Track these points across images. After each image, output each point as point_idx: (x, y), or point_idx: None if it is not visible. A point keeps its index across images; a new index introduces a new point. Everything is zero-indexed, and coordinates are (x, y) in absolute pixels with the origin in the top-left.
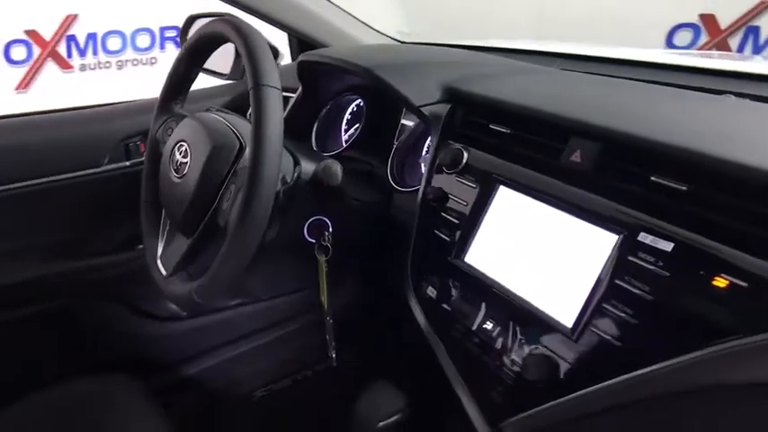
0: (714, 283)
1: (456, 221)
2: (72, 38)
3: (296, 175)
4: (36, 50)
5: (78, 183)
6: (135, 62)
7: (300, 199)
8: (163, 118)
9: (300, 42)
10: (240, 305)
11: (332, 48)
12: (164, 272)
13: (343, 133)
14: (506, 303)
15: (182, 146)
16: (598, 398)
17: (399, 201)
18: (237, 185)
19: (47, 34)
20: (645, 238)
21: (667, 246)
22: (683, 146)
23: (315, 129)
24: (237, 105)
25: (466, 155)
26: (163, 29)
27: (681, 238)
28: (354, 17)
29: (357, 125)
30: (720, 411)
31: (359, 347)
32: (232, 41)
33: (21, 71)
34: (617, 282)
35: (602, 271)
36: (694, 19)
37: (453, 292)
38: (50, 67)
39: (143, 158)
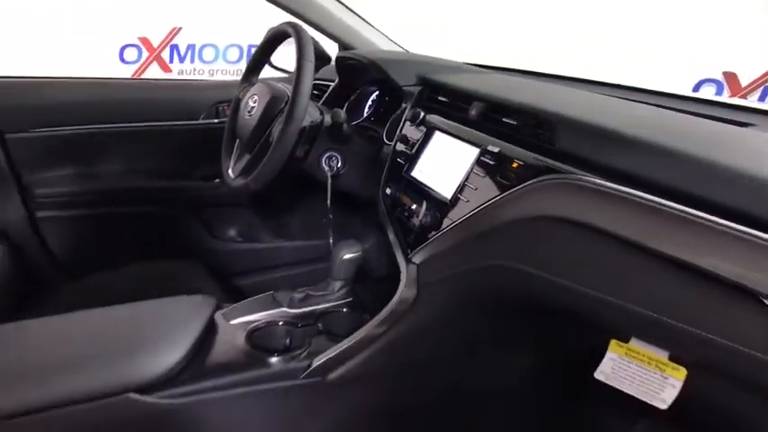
0: (513, 165)
1: (409, 153)
2: (175, 46)
3: (319, 119)
4: (144, 54)
5: (181, 129)
6: (224, 72)
7: (322, 136)
8: (244, 84)
9: (339, 47)
10: (281, 242)
11: (357, 50)
12: (232, 176)
13: (364, 111)
14: (422, 191)
15: (254, 96)
16: (462, 229)
17: (385, 149)
18: (281, 118)
19: (155, 41)
20: (491, 149)
21: (496, 149)
22: (521, 101)
23: (345, 106)
24: None
25: (422, 114)
26: (250, 46)
27: (504, 148)
28: (378, 30)
29: (372, 107)
30: (541, 233)
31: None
32: (291, 36)
33: (130, 69)
34: (474, 171)
35: (469, 167)
36: (719, 76)
37: (400, 189)
38: (154, 68)
39: (227, 118)
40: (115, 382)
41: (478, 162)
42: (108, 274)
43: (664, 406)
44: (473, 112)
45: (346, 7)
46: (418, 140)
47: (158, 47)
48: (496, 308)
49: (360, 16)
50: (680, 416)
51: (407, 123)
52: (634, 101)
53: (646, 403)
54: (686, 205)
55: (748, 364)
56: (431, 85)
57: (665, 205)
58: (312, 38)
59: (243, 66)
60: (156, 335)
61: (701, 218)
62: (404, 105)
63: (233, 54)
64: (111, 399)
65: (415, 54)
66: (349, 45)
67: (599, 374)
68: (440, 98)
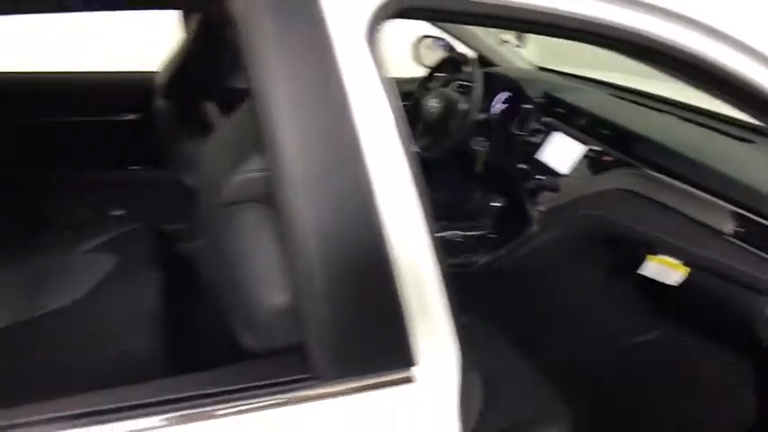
0: (606, 158)
1: (536, 142)
2: None
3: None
4: None
5: None
6: None
7: (474, 125)
8: (422, 90)
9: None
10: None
11: (500, 66)
12: (419, 150)
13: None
14: (546, 168)
15: (435, 99)
16: (573, 191)
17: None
18: (458, 114)
19: None
20: (594, 147)
21: (597, 147)
22: (614, 120)
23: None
24: None
25: (545, 118)
26: None
27: (602, 147)
28: (514, 50)
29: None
30: (620, 198)
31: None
32: (469, 66)
33: None
34: (581, 159)
35: (578, 155)
36: None
37: (531, 165)
38: None
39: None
40: None
41: (585, 155)
42: None
43: (675, 283)
44: (582, 122)
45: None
46: (543, 135)
47: None
48: (588, 238)
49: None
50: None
51: (534, 123)
52: (679, 117)
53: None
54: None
55: (717, 266)
56: (552, 98)
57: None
58: (479, 66)
59: None
60: None
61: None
62: (528, 108)
63: None
64: None
65: (542, 73)
66: (493, 62)
67: (643, 271)
68: (558, 109)
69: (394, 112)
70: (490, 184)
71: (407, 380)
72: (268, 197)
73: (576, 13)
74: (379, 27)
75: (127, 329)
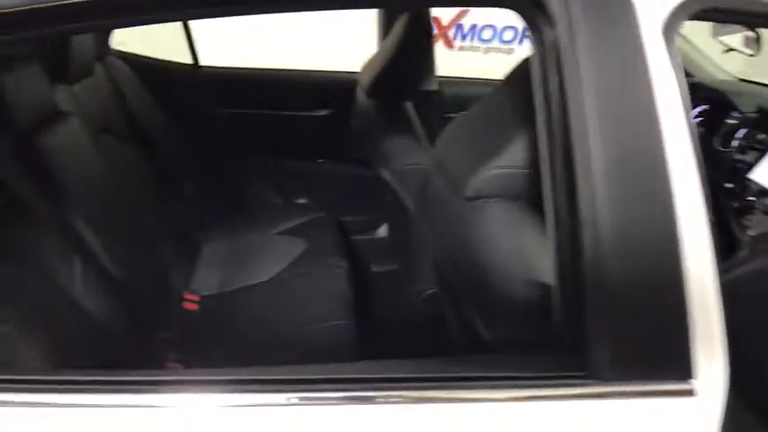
0: None
1: (749, 160)
2: (459, 26)
3: None
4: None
5: None
6: (497, 50)
7: None
8: None
9: None
10: None
11: (697, 77)
12: None
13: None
14: (764, 190)
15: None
16: None
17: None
18: None
19: (444, 21)
20: None
21: None
22: None
23: None
24: None
25: (761, 135)
26: (525, 28)
27: None
28: (716, 60)
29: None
30: None
31: None
32: None
33: None
34: None
35: None
36: None
37: (738, 185)
38: (438, 44)
39: None
40: None
41: None
42: None
43: None
44: None
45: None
46: (756, 153)
47: (446, 26)
48: None
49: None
50: None
51: (744, 139)
52: None
53: None
54: None
55: None
56: (760, 112)
57: None
58: None
59: (515, 46)
60: None
61: None
62: (733, 123)
63: (508, 35)
64: None
65: (751, 85)
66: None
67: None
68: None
69: (687, 112)
70: None
71: (688, 392)
72: (516, 193)
73: None
74: (677, 25)
75: (324, 309)
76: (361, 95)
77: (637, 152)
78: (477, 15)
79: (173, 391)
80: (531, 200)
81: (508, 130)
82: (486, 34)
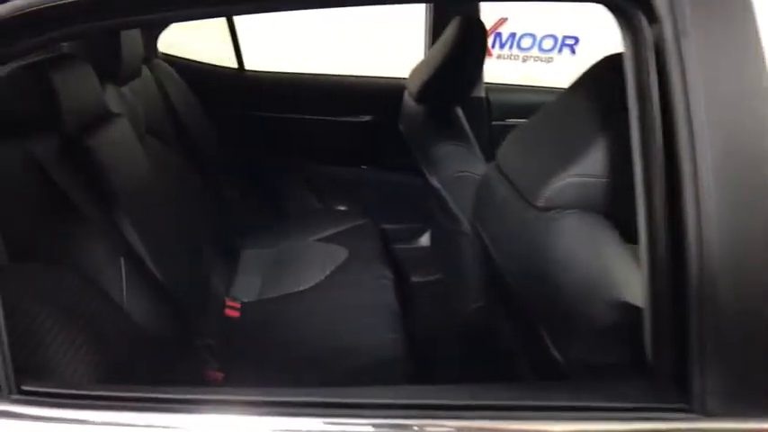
0: None
1: None
2: (498, 34)
3: None
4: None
5: None
6: (536, 59)
7: None
8: None
9: None
10: None
11: None
12: None
13: None
14: None
15: None
16: None
17: None
18: None
19: None
20: None
21: None
22: None
23: None
24: None
25: None
26: (565, 37)
27: None
28: None
29: None
30: None
31: None
32: None
33: None
34: None
35: None
36: None
37: None
38: None
39: None
40: None
41: None
42: None
43: None
44: None
45: None
46: None
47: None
48: None
49: None
50: None
51: None
52: None
53: None
54: None
55: None
56: None
57: None
58: None
59: (554, 54)
60: None
61: None
62: None
63: (547, 43)
64: None
65: None
66: None
67: None
68: None
69: None
70: None
71: None
72: (593, 204)
73: None
74: None
75: (371, 321)
76: (409, 101)
77: (752, 163)
78: (516, 24)
79: (209, 412)
80: (609, 211)
81: (582, 137)
82: (525, 43)
